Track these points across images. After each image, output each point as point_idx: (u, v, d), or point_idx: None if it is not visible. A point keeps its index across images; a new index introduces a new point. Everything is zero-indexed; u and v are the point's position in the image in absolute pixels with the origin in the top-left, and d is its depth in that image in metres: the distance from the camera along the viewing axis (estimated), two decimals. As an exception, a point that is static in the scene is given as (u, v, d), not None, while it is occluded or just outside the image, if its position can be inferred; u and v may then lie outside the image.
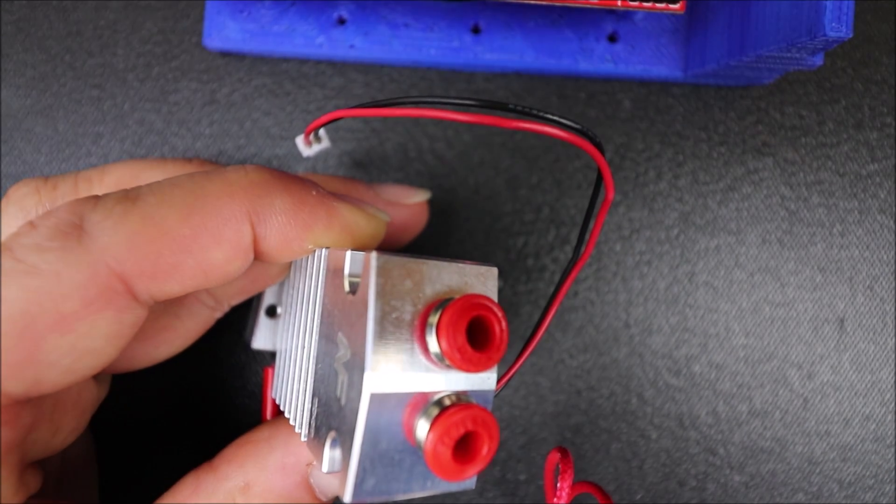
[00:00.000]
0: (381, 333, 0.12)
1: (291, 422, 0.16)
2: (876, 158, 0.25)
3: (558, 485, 0.15)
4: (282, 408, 0.17)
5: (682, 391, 0.25)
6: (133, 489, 0.24)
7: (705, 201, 0.25)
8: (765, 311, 0.25)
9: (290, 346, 0.17)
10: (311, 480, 0.17)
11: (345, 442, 0.13)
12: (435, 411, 0.13)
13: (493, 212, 0.25)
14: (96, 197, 0.14)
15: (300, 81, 0.26)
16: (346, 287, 0.14)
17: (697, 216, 0.25)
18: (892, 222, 0.25)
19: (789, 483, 0.25)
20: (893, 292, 0.25)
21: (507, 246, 0.25)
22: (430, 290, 0.13)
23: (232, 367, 0.25)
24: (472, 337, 0.13)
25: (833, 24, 0.17)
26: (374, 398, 0.12)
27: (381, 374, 0.12)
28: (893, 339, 0.25)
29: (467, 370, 0.13)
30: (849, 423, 0.25)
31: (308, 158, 0.25)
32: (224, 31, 0.24)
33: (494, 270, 0.14)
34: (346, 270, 0.14)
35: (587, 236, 0.16)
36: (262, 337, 0.20)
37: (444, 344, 0.12)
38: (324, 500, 0.17)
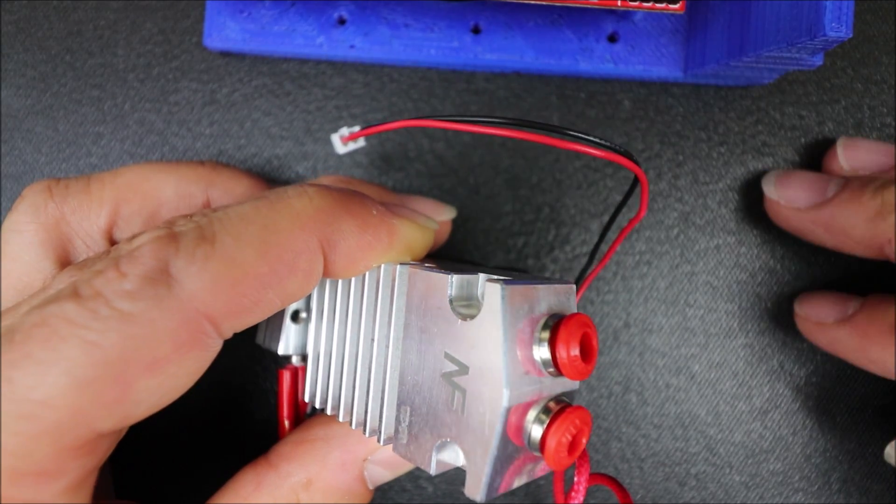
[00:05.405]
0: (510, 354, 0.14)
1: (354, 425, 0.17)
2: (876, 158, 0.25)
3: (575, 479, 0.15)
4: (328, 410, 0.19)
5: (682, 391, 0.25)
6: (134, 486, 0.24)
7: (705, 201, 0.25)
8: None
9: (343, 354, 0.18)
10: (366, 474, 0.18)
11: (472, 449, 0.14)
12: (544, 415, 0.14)
13: (493, 212, 0.25)
14: (174, 237, 0.15)
15: (300, 81, 0.26)
16: (451, 309, 0.15)
17: (697, 216, 0.25)
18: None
19: (789, 483, 0.25)
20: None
21: (507, 246, 0.25)
22: (538, 310, 0.15)
23: (233, 367, 0.25)
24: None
25: (833, 24, 0.17)
26: (507, 411, 0.14)
27: (510, 389, 0.14)
28: None
29: (575, 378, 0.14)
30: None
31: (309, 158, 0.25)
32: (224, 32, 0.24)
33: (573, 287, 0.16)
34: (451, 293, 0.15)
35: (604, 246, 0.17)
36: (289, 342, 0.21)
37: (561, 357, 0.14)
38: (372, 488, 0.19)
